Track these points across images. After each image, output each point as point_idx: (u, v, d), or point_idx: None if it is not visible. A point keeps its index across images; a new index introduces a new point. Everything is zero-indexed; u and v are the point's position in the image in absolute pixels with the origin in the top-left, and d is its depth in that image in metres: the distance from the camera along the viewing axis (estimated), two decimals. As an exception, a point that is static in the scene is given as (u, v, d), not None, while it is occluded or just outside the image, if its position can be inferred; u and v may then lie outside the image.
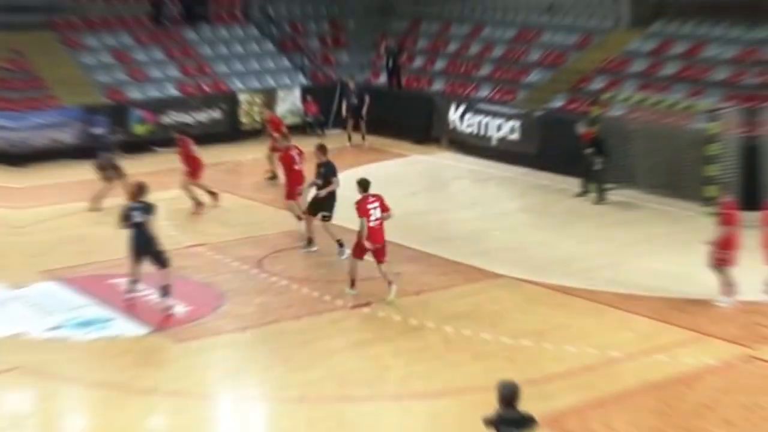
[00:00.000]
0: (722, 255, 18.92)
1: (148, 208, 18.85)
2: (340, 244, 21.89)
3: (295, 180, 23.36)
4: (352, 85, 34.25)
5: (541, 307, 19.15)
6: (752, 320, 18.35)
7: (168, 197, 25.18)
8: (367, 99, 33.72)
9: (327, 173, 21.99)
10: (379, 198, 19.37)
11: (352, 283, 19.73)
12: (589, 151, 26.26)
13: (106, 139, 26.67)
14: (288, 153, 23.63)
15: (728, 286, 19.03)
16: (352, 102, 33.94)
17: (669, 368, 16.28)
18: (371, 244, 19.09)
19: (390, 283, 19.35)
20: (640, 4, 34.23)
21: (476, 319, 18.45)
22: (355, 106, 33.84)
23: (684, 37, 32.38)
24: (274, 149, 27.70)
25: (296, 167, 23.41)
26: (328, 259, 21.94)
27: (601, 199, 26.17)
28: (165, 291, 18.89)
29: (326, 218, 21.97)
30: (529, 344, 17.32)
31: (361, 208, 19.08)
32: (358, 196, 19.32)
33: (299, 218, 23.23)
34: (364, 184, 19.43)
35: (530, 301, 19.48)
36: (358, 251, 19.49)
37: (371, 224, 19.03)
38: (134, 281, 19.19)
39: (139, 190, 19.07)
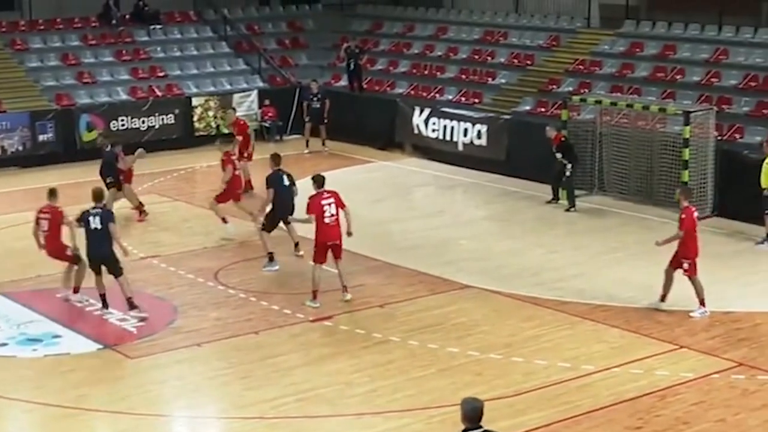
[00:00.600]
0: (684, 263, 18.79)
1: (105, 214, 18.82)
2: (270, 258, 21.71)
3: (235, 185, 23.79)
4: (315, 88, 33.53)
5: (510, 319, 18.86)
6: (728, 331, 18.15)
7: (116, 206, 24.76)
8: (327, 103, 33.10)
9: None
10: (334, 194, 19.33)
11: (314, 295, 19.43)
12: (558, 156, 25.78)
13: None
14: (231, 158, 23.94)
15: (699, 296, 18.90)
16: (314, 106, 33.24)
17: (643, 382, 16.11)
18: (327, 240, 19.16)
19: (345, 288, 19.60)
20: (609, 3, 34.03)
21: (443, 332, 18.21)
22: (317, 110, 33.14)
23: (655, 38, 32.28)
24: (241, 156, 27.53)
25: (237, 172, 23.91)
26: (288, 271, 21.56)
27: (571, 206, 25.65)
28: (130, 304, 18.84)
29: (264, 227, 21.84)
30: (498, 358, 17.06)
31: (314, 204, 19.07)
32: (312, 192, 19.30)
33: (224, 220, 23.75)
34: (318, 180, 19.41)
35: (499, 313, 19.18)
36: (319, 256, 19.31)
37: (326, 221, 19.07)
38: (102, 294, 19.16)
39: (96, 195, 19.05)
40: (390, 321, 18.72)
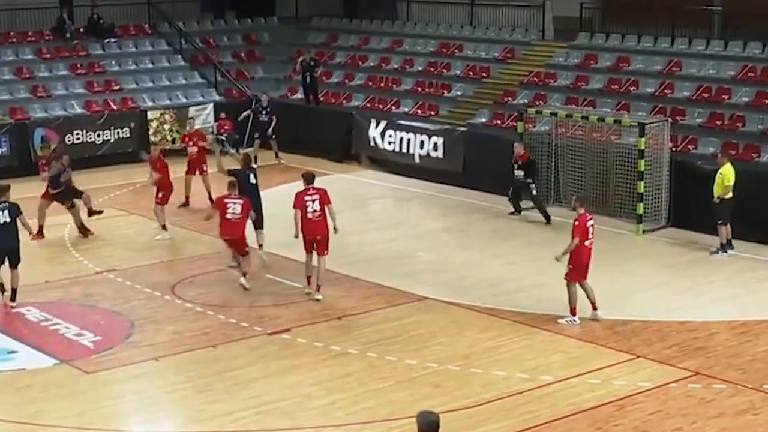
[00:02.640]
0: (569, 269, 18.92)
1: (12, 207, 19.67)
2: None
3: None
4: (265, 101, 33.28)
5: (468, 331, 18.85)
6: (685, 341, 18.23)
7: (71, 221, 24.96)
8: (274, 119, 32.78)
9: None
10: (320, 192, 20.13)
11: (308, 281, 20.45)
12: (520, 173, 25.79)
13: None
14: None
15: (572, 304, 19.02)
16: (262, 119, 32.95)
17: (601, 391, 16.14)
18: (308, 234, 19.97)
19: (318, 287, 20.27)
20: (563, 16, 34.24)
21: (401, 344, 18.18)
22: (263, 123, 32.85)
23: (609, 50, 32.49)
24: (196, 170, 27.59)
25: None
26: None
27: (546, 220, 25.82)
28: (14, 295, 19.75)
29: None
30: (457, 369, 17.06)
31: (298, 199, 19.98)
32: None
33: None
34: (307, 178, 20.34)
35: (457, 325, 19.18)
36: (305, 247, 20.22)
37: (308, 216, 19.87)
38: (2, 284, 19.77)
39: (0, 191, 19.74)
40: (348, 333, 18.68)
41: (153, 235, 24.71)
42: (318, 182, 20.63)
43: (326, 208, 20.03)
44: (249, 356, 17.68)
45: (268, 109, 32.85)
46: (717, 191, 22.80)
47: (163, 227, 24.61)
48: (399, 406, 15.57)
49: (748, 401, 15.75)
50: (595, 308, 19.06)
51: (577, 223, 18.93)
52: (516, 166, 26.06)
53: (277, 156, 32.63)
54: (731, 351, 17.72)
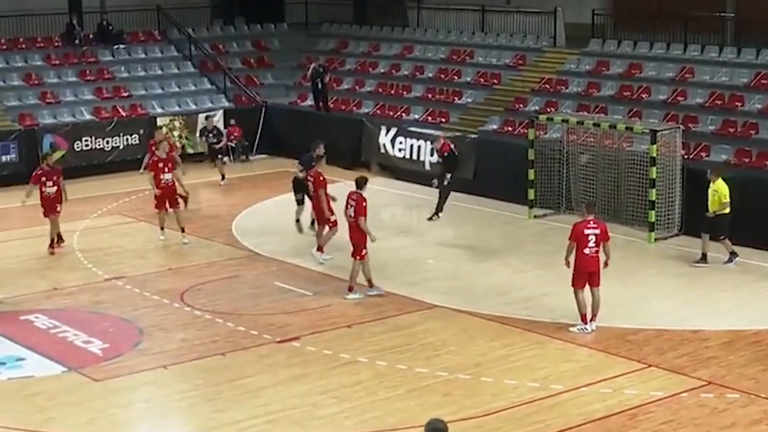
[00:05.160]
0: (572, 275, 18.87)
1: None
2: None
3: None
4: (209, 125, 32.98)
5: (479, 339, 18.77)
6: (697, 350, 18.12)
7: (80, 228, 25.15)
8: (223, 140, 32.68)
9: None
10: (358, 199, 20.77)
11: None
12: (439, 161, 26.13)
13: None
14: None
15: (580, 311, 18.91)
16: (211, 141, 32.66)
17: (613, 401, 16.06)
18: (348, 236, 20.94)
19: (351, 287, 20.67)
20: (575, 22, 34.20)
21: (411, 353, 18.12)
22: (213, 145, 32.62)
23: (621, 57, 32.40)
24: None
25: None
26: (254, 292, 21.46)
27: (436, 214, 26.53)
28: None
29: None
30: (467, 378, 16.99)
31: (346, 200, 21.06)
32: None
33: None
34: (356, 181, 21.26)
35: (467, 333, 19.10)
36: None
37: (346, 218, 20.93)
38: None
39: None
40: (358, 341, 18.62)
41: (180, 240, 24.82)
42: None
43: (358, 219, 20.54)
44: (258, 364, 17.63)
45: (214, 132, 32.75)
46: (712, 207, 22.64)
47: (183, 230, 24.77)
48: (408, 414, 15.49)
49: (761, 411, 15.64)
50: (586, 321, 18.87)
51: (573, 228, 18.96)
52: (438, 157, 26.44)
53: (222, 177, 31.98)
54: (744, 360, 17.62)
